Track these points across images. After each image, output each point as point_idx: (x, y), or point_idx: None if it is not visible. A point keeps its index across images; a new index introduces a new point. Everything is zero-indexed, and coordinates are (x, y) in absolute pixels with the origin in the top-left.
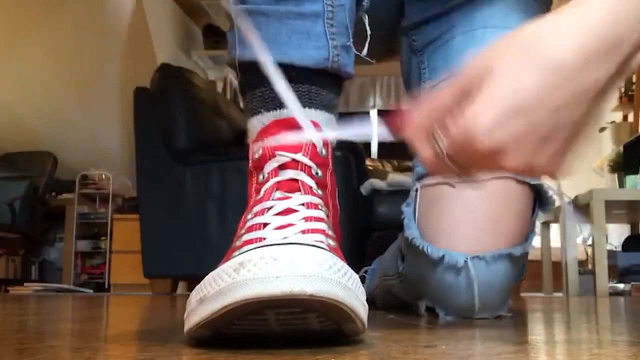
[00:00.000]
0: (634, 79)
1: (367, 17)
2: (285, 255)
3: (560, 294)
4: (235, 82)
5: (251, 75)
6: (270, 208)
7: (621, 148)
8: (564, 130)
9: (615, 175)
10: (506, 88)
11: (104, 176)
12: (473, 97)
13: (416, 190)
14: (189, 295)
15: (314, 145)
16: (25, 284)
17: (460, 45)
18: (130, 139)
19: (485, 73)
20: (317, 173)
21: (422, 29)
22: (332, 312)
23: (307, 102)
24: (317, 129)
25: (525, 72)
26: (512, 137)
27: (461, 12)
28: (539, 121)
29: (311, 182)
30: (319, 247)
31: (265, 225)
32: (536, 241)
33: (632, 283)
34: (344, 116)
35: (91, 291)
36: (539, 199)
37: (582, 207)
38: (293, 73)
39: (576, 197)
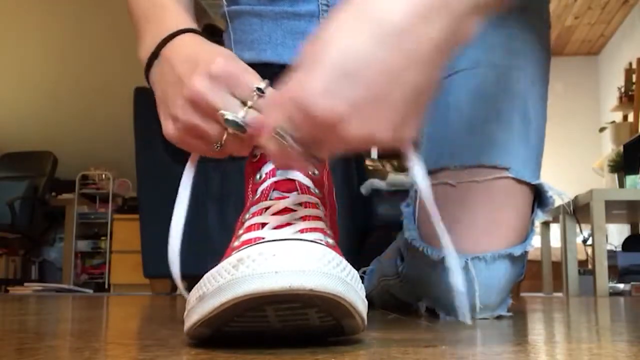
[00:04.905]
0: (633, 79)
1: None
2: (284, 250)
3: (560, 294)
4: None
5: None
6: (268, 208)
7: (621, 148)
8: (404, 95)
9: (615, 175)
10: (334, 52)
11: (104, 176)
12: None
13: (416, 191)
14: (188, 295)
15: None
16: (25, 284)
17: None
18: (130, 139)
19: (316, 43)
20: (313, 172)
21: None
22: (331, 307)
23: None
24: None
25: (355, 34)
26: (348, 103)
27: None
28: (375, 85)
29: (308, 182)
30: (318, 243)
31: (263, 225)
32: (536, 241)
33: (632, 283)
34: None
35: (91, 291)
36: (539, 198)
37: (582, 207)
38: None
39: (576, 197)
